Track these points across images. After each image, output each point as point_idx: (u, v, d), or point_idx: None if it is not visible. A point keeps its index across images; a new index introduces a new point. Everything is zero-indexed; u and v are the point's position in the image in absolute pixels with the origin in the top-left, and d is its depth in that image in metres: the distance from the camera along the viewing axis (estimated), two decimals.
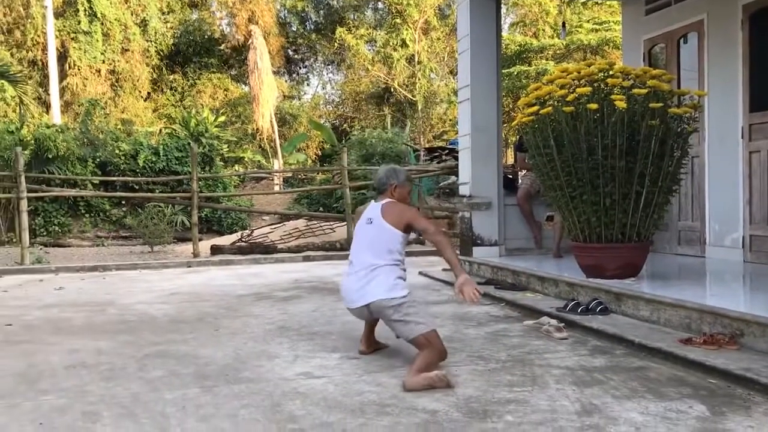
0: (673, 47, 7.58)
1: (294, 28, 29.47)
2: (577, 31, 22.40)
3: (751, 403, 3.12)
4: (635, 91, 5.27)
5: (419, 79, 25.53)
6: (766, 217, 6.36)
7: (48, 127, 14.99)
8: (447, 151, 17.10)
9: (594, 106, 5.24)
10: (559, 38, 22.49)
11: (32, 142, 14.01)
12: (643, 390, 3.35)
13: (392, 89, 26.07)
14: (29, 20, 22.37)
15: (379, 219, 4.06)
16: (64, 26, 22.64)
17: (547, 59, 22.30)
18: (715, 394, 3.26)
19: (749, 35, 6.55)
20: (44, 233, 13.93)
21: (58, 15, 22.08)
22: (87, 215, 14.55)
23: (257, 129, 24.15)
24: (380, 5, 28.34)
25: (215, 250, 11.39)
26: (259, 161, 22.66)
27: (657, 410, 3.04)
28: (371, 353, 4.26)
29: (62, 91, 22.15)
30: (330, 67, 31.89)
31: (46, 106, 22.17)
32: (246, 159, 22.09)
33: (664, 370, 3.71)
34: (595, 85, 5.44)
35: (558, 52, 22.26)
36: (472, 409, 3.11)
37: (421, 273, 8.21)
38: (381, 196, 4.24)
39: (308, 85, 32.88)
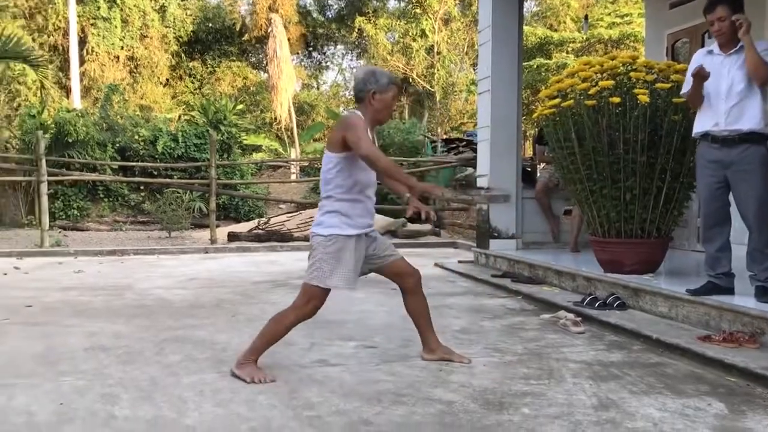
0: (698, 42, 7.49)
1: (314, 17, 29.40)
2: (598, 24, 22.19)
3: None
4: (658, 85, 5.23)
5: (438, 70, 25.42)
6: None
7: (68, 111, 15.07)
8: (464, 142, 17.02)
9: (616, 99, 5.21)
10: (580, 31, 22.29)
11: (53, 126, 14.09)
12: (661, 386, 3.34)
13: (410, 80, 25.97)
14: (51, 5, 22.47)
15: None
16: (84, 12, 22.71)
17: (567, 53, 22.12)
18: (734, 393, 3.24)
19: None
20: (63, 217, 14.04)
21: (78, 1, 22.16)
22: (106, 200, 14.65)
23: (275, 117, 24.18)
24: None
25: (232, 237, 11.43)
26: (276, 149, 22.69)
27: (675, 407, 3.03)
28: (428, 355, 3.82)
29: (81, 76, 22.24)
30: (349, 56, 31.84)
31: (67, 90, 22.29)
32: (264, 147, 22.11)
33: (681, 367, 3.69)
34: (618, 78, 5.41)
35: (579, 45, 22.07)
36: (488, 401, 3.11)
37: (436, 264, 8.21)
38: (359, 106, 3.58)
39: (327, 74, 32.84)
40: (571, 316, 4.79)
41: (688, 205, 5.76)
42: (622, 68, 5.46)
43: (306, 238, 11.35)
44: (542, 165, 8.43)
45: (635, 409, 3.00)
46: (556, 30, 24.94)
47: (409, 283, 3.73)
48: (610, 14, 23.19)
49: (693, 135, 4.58)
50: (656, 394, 3.22)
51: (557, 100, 5.67)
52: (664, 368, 3.67)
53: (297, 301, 3.57)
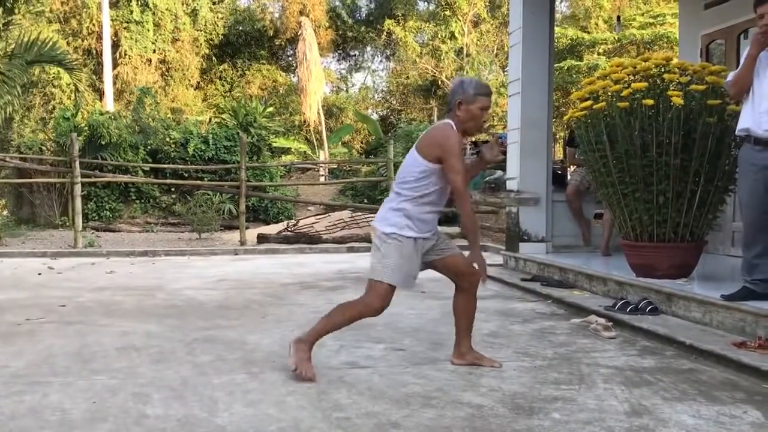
0: (733, 43, 7.36)
1: (344, 20, 29.49)
2: (630, 25, 21.94)
3: None
4: (693, 87, 5.15)
5: (467, 72, 25.34)
6: None
7: (101, 114, 15.30)
8: None
9: (649, 102, 5.14)
10: (612, 32, 22.05)
11: (86, 128, 14.31)
12: (695, 393, 3.28)
13: (440, 82, 25.95)
14: (85, 10, 22.84)
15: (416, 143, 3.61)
16: (117, 16, 23.04)
17: (599, 54, 21.91)
18: None
19: None
20: (96, 218, 14.25)
21: (111, 5, 22.47)
22: (137, 201, 14.84)
23: (304, 120, 24.31)
24: None
25: (261, 238, 11.51)
26: (305, 152, 22.80)
27: (709, 414, 2.97)
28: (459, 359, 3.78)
29: (114, 79, 22.55)
30: (378, 58, 31.88)
31: (100, 93, 22.63)
32: (293, 150, 22.24)
33: (716, 374, 3.62)
34: (651, 80, 5.34)
35: (611, 46, 21.84)
36: (518, 405, 3.09)
37: None
38: (449, 114, 3.62)
39: (356, 76, 32.91)
40: (602, 320, 4.73)
41: (723, 209, 5.66)
42: (655, 70, 5.38)
43: (334, 240, 11.40)
44: (573, 168, 8.34)
45: (668, 415, 2.95)
46: (587, 31, 24.72)
47: (464, 283, 3.72)
48: (642, 15, 22.93)
49: (736, 132, 4.50)
50: (690, 400, 3.16)
51: (589, 102, 5.61)
52: (698, 375, 3.61)
53: (364, 297, 3.61)
